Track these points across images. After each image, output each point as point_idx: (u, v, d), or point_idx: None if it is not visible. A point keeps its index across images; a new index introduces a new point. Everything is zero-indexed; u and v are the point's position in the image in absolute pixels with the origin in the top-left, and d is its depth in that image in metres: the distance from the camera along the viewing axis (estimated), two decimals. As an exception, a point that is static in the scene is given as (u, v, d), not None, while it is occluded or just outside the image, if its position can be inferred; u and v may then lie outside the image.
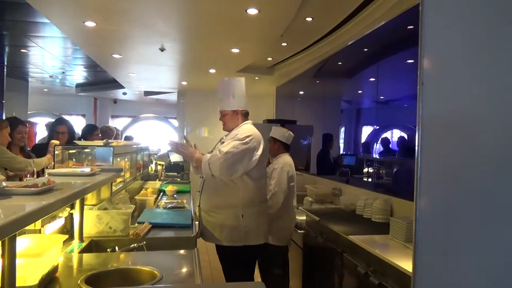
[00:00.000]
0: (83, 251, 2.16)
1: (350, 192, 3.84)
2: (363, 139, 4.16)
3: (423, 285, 1.21)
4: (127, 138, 7.07)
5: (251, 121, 2.76)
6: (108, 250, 2.26)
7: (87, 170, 2.20)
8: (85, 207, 2.36)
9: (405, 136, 3.37)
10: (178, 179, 5.40)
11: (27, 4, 3.28)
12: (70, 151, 2.97)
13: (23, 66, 7.30)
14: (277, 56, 5.58)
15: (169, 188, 4.15)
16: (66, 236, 1.94)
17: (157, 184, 4.47)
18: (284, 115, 6.66)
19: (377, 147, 3.74)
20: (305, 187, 4.39)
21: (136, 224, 2.62)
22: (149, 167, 5.29)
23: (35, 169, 3.13)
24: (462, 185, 1.22)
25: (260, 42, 4.36)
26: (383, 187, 3.38)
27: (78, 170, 2.23)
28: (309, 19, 3.81)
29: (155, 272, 1.77)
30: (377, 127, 3.90)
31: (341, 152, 4.59)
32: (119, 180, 3.04)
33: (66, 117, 7.69)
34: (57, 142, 3.57)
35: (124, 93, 10.14)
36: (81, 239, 2.27)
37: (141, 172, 4.25)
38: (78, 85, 9.54)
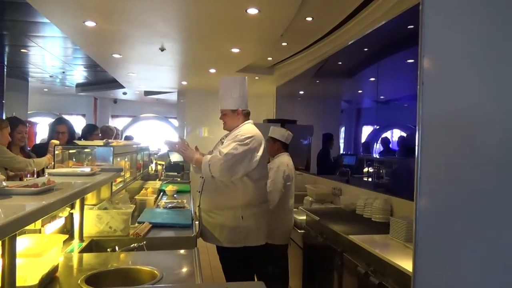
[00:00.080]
0: (83, 251, 2.16)
1: (350, 191, 3.84)
2: (363, 139, 4.16)
3: (423, 285, 1.21)
4: (127, 138, 7.07)
5: (252, 121, 2.74)
6: (108, 250, 2.26)
7: (87, 170, 2.20)
8: (85, 207, 2.36)
9: (405, 135, 3.37)
10: (178, 179, 5.40)
11: (27, 4, 3.28)
12: (70, 151, 2.97)
13: (23, 66, 7.30)
14: (277, 56, 5.58)
15: (169, 188, 4.15)
16: (66, 236, 1.94)
17: (157, 184, 4.47)
18: (284, 115, 6.66)
19: (377, 147, 3.74)
20: (305, 187, 4.39)
21: (136, 224, 2.62)
22: (149, 167, 5.29)
23: (35, 169, 3.13)
24: (462, 184, 1.22)
25: (260, 42, 4.36)
26: (383, 187, 3.38)
27: (78, 170, 2.23)
28: (309, 18, 3.81)
29: (155, 272, 1.77)
30: (377, 127, 3.90)
31: (341, 152, 4.59)
32: (119, 180, 3.04)
33: (66, 117, 7.70)
34: (57, 142, 3.57)
35: (124, 93, 10.15)
36: (81, 239, 2.28)
37: (141, 172, 4.25)
38: (78, 85, 9.55)
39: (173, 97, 9.02)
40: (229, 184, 2.54)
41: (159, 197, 3.97)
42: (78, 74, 8.20)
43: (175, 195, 4.07)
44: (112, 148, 2.81)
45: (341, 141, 4.62)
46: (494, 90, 1.20)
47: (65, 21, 3.76)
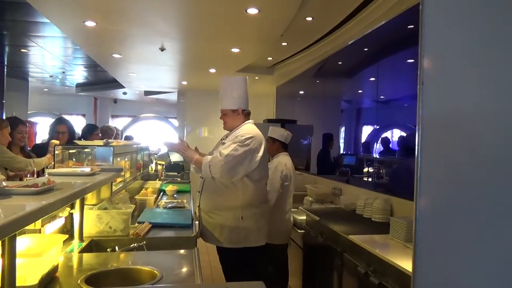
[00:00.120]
0: (83, 251, 2.16)
1: (350, 191, 3.84)
2: (363, 139, 4.16)
3: (423, 284, 1.21)
4: (127, 138, 7.08)
5: (252, 121, 2.73)
6: (108, 250, 2.26)
7: (87, 170, 2.20)
8: (85, 206, 2.36)
9: (405, 135, 3.37)
10: (178, 179, 5.40)
11: (27, 4, 3.28)
12: (70, 151, 2.97)
13: (23, 66, 7.30)
14: (277, 56, 5.57)
15: (169, 188, 4.15)
16: (66, 236, 1.94)
17: (157, 183, 4.47)
18: (284, 115, 6.66)
19: (377, 146, 3.74)
20: (305, 187, 4.39)
21: (136, 224, 2.62)
22: (149, 167, 5.29)
23: (35, 169, 3.13)
24: (462, 184, 1.22)
25: (260, 41, 4.36)
26: (383, 187, 3.38)
27: (78, 170, 2.23)
28: (309, 18, 3.81)
29: (155, 272, 1.77)
30: (377, 127, 3.90)
31: (341, 151, 4.59)
32: (119, 180, 3.04)
33: (66, 116, 7.69)
34: (57, 142, 3.57)
35: (124, 93, 10.15)
36: (81, 239, 2.27)
37: (141, 172, 4.25)
38: (78, 85, 9.55)
39: (173, 97, 9.02)
40: (229, 185, 2.54)
41: (159, 197, 3.97)
42: (78, 74, 8.21)
43: (175, 195, 4.07)
44: (112, 148, 2.81)
45: (341, 141, 4.62)
46: (494, 90, 1.20)
47: (65, 21, 3.76)
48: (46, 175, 2.07)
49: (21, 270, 1.44)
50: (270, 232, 3.19)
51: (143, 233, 2.44)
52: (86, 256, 2.07)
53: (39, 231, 1.91)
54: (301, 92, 6.26)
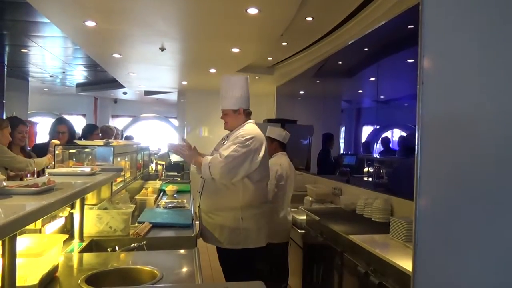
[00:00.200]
0: (83, 250, 2.16)
1: (351, 191, 3.84)
2: (363, 139, 4.16)
3: (423, 284, 1.21)
4: (127, 138, 7.08)
5: (253, 121, 2.72)
6: (108, 249, 2.26)
7: (87, 169, 2.20)
8: (86, 206, 2.36)
9: (405, 135, 3.37)
10: (179, 179, 5.40)
11: (27, 4, 3.28)
12: (71, 151, 2.97)
13: (24, 65, 7.30)
14: (278, 56, 5.57)
15: (169, 188, 4.15)
16: (66, 236, 1.94)
17: (157, 183, 4.47)
18: (284, 115, 6.66)
19: (377, 146, 3.74)
20: (305, 187, 4.39)
21: (136, 224, 2.62)
22: (150, 167, 5.29)
23: (35, 168, 3.13)
24: (462, 184, 1.22)
25: (260, 41, 4.36)
26: (383, 187, 3.38)
27: (79, 169, 2.23)
28: (309, 18, 3.81)
29: (155, 271, 1.77)
30: (377, 127, 3.90)
31: (342, 151, 4.59)
32: (119, 179, 3.04)
33: (66, 116, 7.70)
34: (57, 142, 3.57)
35: (124, 93, 10.15)
36: (81, 238, 2.28)
37: (141, 171, 4.25)
38: (79, 85, 9.55)
39: (173, 97, 9.02)
40: (230, 185, 2.53)
41: (159, 197, 3.97)
42: (78, 74, 8.21)
43: (175, 195, 4.07)
44: (112, 148, 2.81)
45: (341, 141, 4.62)
46: (494, 90, 1.20)
47: (65, 21, 3.76)
48: (46, 175, 2.07)
49: (22, 270, 1.44)
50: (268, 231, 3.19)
51: (143, 233, 2.44)
52: (86, 256, 2.07)
53: (39, 231, 1.91)
54: (301, 92, 6.26)
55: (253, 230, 2.57)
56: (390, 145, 3.57)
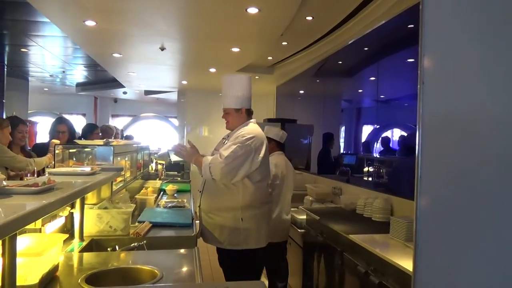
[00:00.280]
0: (83, 250, 2.16)
1: (351, 191, 3.84)
2: (363, 138, 4.16)
3: (423, 284, 1.21)
4: (128, 138, 7.08)
5: (255, 120, 2.71)
6: (109, 249, 2.26)
7: (87, 169, 2.20)
8: (86, 206, 2.36)
9: (406, 135, 3.37)
10: (179, 178, 5.40)
11: (27, 3, 3.28)
12: (71, 150, 2.97)
13: (23, 65, 7.30)
14: (278, 55, 5.57)
15: (170, 187, 4.15)
16: (67, 235, 1.94)
17: (157, 183, 4.47)
18: (284, 114, 6.66)
19: (378, 146, 3.74)
20: (305, 186, 4.39)
21: (137, 223, 2.62)
22: (150, 166, 5.29)
23: (35, 168, 3.13)
24: (463, 184, 1.22)
25: (260, 41, 4.36)
26: (384, 186, 3.38)
27: (79, 169, 2.23)
28: (309, 18, 3.81)
29: (156, 271, 1.77)
30: (378, 126, 3.90)
31: (342, 151, 4.59)
32: (119, 179, 3.04)
33: (66, 116, 7.70)
34: (57, 141, 3.57)
35: (125, 92, 10.15)
36: (81, 238, 2.28)
37: (142, 171, 4.25)
38: (79, 84, 9.55)
39: (173, 96, 9.02)
40: (230, 186, 2.52)
41: (159, 197, 3.97)
42: (78, 73, 8.21)
43: (175, 195, 4.07)
44: (112, 148, 2.81)
45: (341, 140, 4.62)
46: (495, 89, 1.20)
47: (65, 20, 3.76)
48: (47, 175, 2.07)
49: (22, 269, 1.44)
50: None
51: (143, 232, 2.44)
52: (87, 255, 2.07)
53: (40, 230, 1.91)
54: (301, 92, 6.26)
55: (253, 231, 2.55)
56: (390, 145, 3.57)
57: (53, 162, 2.98)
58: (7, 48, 6.21)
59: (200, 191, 2.68)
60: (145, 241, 2.27)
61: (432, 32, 1.20)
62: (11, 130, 3.36)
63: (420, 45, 1.21)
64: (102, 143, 2.89)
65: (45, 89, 10.12)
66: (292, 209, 3.71)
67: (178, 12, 3.50)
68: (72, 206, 2.23)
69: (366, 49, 4.01)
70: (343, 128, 4.69)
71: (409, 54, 3.07)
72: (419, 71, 1.22)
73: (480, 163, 1.20)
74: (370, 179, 3.79)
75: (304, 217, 3.58)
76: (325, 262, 3.00)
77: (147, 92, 9.14)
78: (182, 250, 2.22)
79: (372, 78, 3.95)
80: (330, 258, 2.87)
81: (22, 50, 6.06)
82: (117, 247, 2.25)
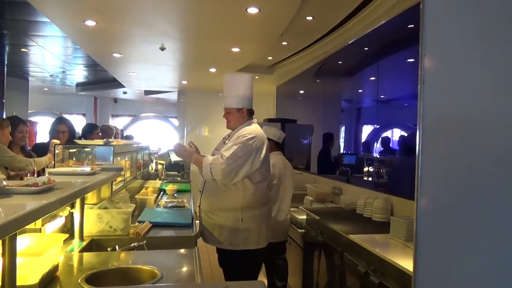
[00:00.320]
0: (83, 250, 2.16)
1: (351, 191, 3.84)
2: (363, 138, 4.16)
3: (424, 284, 1.21)
4: (127, 138, 7.08)
5: (255, 120, 2.71)
6: (109, 249, 2.26)
7: (87, 169, 2.20)
8: (86, 206, 2.36)
9: (406, 135, 3.37)
10: (179, 178, 5.40)
11: (27, 3, 3.28)
12: (71, 150, 2.97)
13: (23, 65, 7.30)
14: (278, 55, 5.57)
15: (170, 187, 4.15)
16: (67, 235, 1.94)
17: (157, 183, 4.47)
18: (284, 114, 6.66)
19: (378, 146, 3.74)
20: (305, 186, 4.39)
21: (137, 223, 2.62)
22: (150, 166, 5.29)
23: (35, 168, 3.13)
24: (464, 184, 1.21)
25: (260, 41, 4.36)
26: (384, 186, 3.38)
27: (79, 169, 2.23)
28: (309, 18, 3.81)
29: (156, 271, 1.77)
30: (378, 126, 3.90)
31: (342, 151, 4.59)
32: (119, 179, 3.04)
33: (66, 116, 7.70)
34: (57, 141, 3.57)
35: (125, 92, 10.15)
36: (81, 238, 2.28)
37: (142, 171, 4.25)
38: (79, 84, 9.55)
39: (173, 96, 9.02)
40: (230, 186, 2.51)
41: (159, 197, 3.97)
42: (78, 73, 8.20)
43: (175, 195, 4.07)
44: (112, 148, 2.81)
45: (341, 140, 4.62)
46: (495, 89, 1.19)
47: (65, 20, 3.76)
48: (47, 175, 2.07)
49: (22, 269, 1.44)
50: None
51: (143, 232, 2.44)
52: (87, 255, 2.07)
53: (40, 230, 1.91)
54: (301, 92, 6.26)
55: (253, 231, 2.55)
56: (390, 145, 3.57)
57: (53, 162, 2.98)
58: (7, 48, 6.21)
59: (200, 191, 2.68)
60: (145, 241, 2.27)
61: (432, 32, 1.20)
62: (11, 130, 3.36)
63: (421, 44, 1.21)
64: (102, 143, 2.89)
65: (45, 89, 10.12)
66: (292, 209, 3.71)
67: (178, 12, 3.50)
68: (72, 206, 2.23)
69: (366, 49, 4.01)
70: (343, 128, 4.69)
71: (409, 54, 3.07)
72: (419, 71, 1.21)
73: (481, 163, 1.19)
74: (370, 179, 3.79)
75: (304, 217, 3.57)
76: (325, 262, 3.00)
77: (147, 92, 9.14)
78: (182, 250, 2.22)
79: (372, 78, 3.95)
80: (330, 258, 2.87)
81: (22, 50, 6.06)
82: (117, 247, 2.25)
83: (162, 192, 4.19)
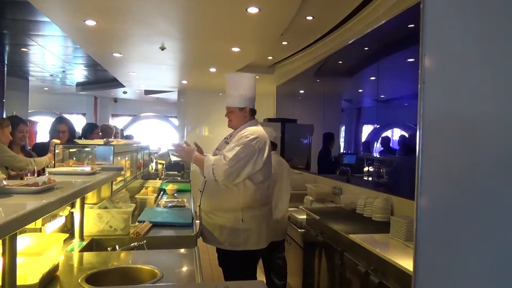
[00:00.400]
0: (83, 250, 2.16)
1: (351, 191, 3.84)
2: (363, 138, 4.16)
3: (424, 284, 1.21)
4: (128, 137, 7.08)
5: (257, 119, 2.70)
6: (109, 249, 2.26)
7: (87, 169, 2.20)
8: (86, 206, 2.36)
9: (406, 135, 3.37)
10: (179, 178, 5.40)
11: (27, 3, 3.28)
12: (71, 150, 2.97)
13: (24, 65, 7.30)
14: (278, 55, 5.57)
15: (170, 187, 4.15)
16: (67, 235, 1.94)
17: (157, 183, 4.47)
18: (284, 114, 6.66)
19: (378, 146, 3.74)
20: (305, 186, 4.39)
21: (137, 223, 2.62)
22: (150, 166, 5.29)
23: (35, 168, 3.13)
24: (464, 184, 1.21)
25: (260, 41, 4.36)
26: (384, 186, 3.38)
27: (79, 169, 2.23)
28: (309, 17, 3.81)
29: (156, 271, 1.77)
30: (378, 126, 3.90)
31: (342, 151, 4.59)
32: (119, 179, 3.04)
33: (66, 116, 7.70)
34: (57, 141, 3.57)
35: (125, 92, 10.15)
36: (81, 238, 2.28)
37: (142, 171, 4.25)
38: (79, 84, 9.55)
39: (174, 96, 9.02)
40: (231, 186, 2.50)
41: (160, 196, 3.97)
42: (79, 73, 8.20)
43: (175, 194, 4.07)
44: (112, 147, 2.81)
45: (342, 140, 4.62)
46: (496, 89, 1.19)
47: (65, 20, 3.76)
48: (47, 174, 2.07)
49: (22, 269, 1.44)
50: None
51: (143, 232, 2.44)
52: (87, 255, 2.07)
53: (40, 230, 1.91)
54: (302, 91, 6.26)
55: (253, 232, 2.54)
56: (390, 145, 3.57)
57: (53, 162, 2.98)
58: (7, 48, 6.21)
59: (200, 191, 2.67)
60: (145, 241, 2.27)
61: (433, 32, 1.20)
62: (12, 130, 3.36)
63: (421, 44, 1.21)
64: (102, 143, 2.89)
65: (45, 88, 10.12)
66: (292, 209, 3.71)
67: (179, 12, 3.50)
68: (72, 206, 2.23)
69: (366, 48, 4.01)
70: (343, 128, 4.69)
71: (410, 53, 3.07)
72: (419, 71, 1.21)
73: (481, 163, 1.19)
74: (370, 179, 3.79)
75: (304, 217, 3.57)
76: (325, 261, 3.00)
77: (147, 92, 9.14)
78: (182, 250, 2.21)
79: (372, 78, 3.95)
80: (330, 258, 2.87)
81: (22, 49, 6.06)
82: (117, 247, 2.25)
83: (162, 192, 4.19)
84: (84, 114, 11.79)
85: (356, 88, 4.42)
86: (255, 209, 2.56)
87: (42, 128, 8.33)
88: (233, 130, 2.69)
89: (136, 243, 2.23)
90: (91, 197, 2.53)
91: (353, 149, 4.39)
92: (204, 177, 2.61)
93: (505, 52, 1.18)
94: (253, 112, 2.68)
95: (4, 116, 6.59)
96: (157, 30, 3.94)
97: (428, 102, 1.20)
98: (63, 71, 7.90)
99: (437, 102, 1.21)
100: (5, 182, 1.42)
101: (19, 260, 1.32)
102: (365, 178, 3.90)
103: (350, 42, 4.13)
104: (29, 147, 4.06)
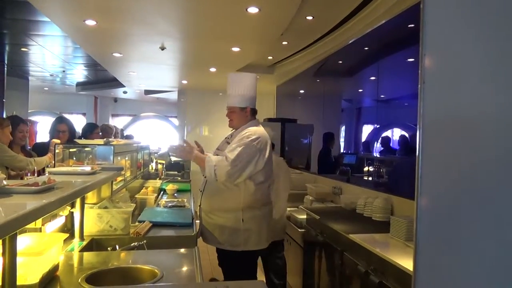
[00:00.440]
0: (83, 249, 2.16)
1: (351, 190, 3.84)
2: (363, 138, 4.16)
3: (424, 284, 1.21)
4: (128, 137, 7.08)
5: (258, 119, 2.70)
6: (109, 248, 2.26)
7: (87, 169, 2.20)
8: (86, 205, 2.36)
9: (406, 134, 3.37)
10: (179, 178, 5.40)
11: (27, 3, 3.28)
12: (71, 150, 2.97)
13: (24, 64, 7.30)
14: (278, 55, 5.57)
15: (170, 187, 4.15)
16: (67, 235, 1.94)
17: (157, 183, 4.47)
18: (284, 114, 6.66)
19: (378, 146, 3.74)
20: (305, 186, 4.39)
21: (137, 223, 2.62)
22: (150, 166, 5.29)
23: (36, 167, 3.13)
24: (464, 184, 1.21)
25: (260, 40, 4.36)
26: (384, 186, 3.38)
27: (79, 169, 2.23)
28: (309, 17, 3.81)
29: (156, 271, 1.77)
30: (378, 126, 3.90)
31: (342, 151, 4.59)
32: (119, 179, 3.04)
33: (66, 115, 7.71)
34: (57, 141, 3.57)
35: (125, 92, 10.15)
36: (81, 237, 2.28)
37: (142, 171, 4.25)
38: (79, 84, 9.55)
39: (174, 96, 9.02)
40: (231, 186, 2.50)
41: (160, 196, 3.97)
42: (79, 73, 8.21)
43: (175, 194, 4.07)
44: (112, 147, 2.81)
45: (342, 140, 4.62)
46: (496, 89, 1.19)
47: (65, 19, 3.76)
48: (47, 174, 2.07)
49: (22, 268, 1.44)
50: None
51: (143, 232, 2.44)
52: (87, 255, 2.07)
53: (40, 230, 1.91)
54: (302, 91, 6.26)
55: (254, 232, 2.54)
56: (391, 144, 3.57)
57: (53, 162, 2.98)
58: (7, 48, 6.21)
59: (201, 191, 2.66)
60: (145, 241, 2.27)
61: (433, 32, 1.20)
62: (12, 130, 3.36)
63: (421, 44, 1.21)
64: (102, 143, 2.89)
65: (45, 88, 10.12)
66: (292, 208, 3.70)
67: (179, 12, 3.50)
68: (72, 206, 2.23)
69: (366, 48, 4.01)
70: (343, 128, 4.69)
71: (410, 53, 3.07)
72: (420, 71, 1.21)
73: (481, 163, 1.19)
74: (370, 178, 3.79)
75: (304, 216, 3.58)
76: (325, 261, 3.00)
77: (147, 92, 9.14)
78: (182, 250, 2.21)
79: (373, 78, 3.95)
80: (330, 258, 2.87)
81: (22, 49, 6.06)
82: (117, 247, 2.25)
83: (162, 192, 4.19)
84: (84, 114, 11.80)
85: (356, 88, 4.42)
86: (255, 209, 2.56)
87: (42, 128, 8.33)
88: (234, 130, 2.69)
89: (136, 243, 2.23)
90: (91, 197, 2.53)
91: (353, 149, 4.39)
92: (205, 177, 2.61)
93: (505, 52, 1.18)
94: (254, 112, 2.68)
95: (4, 116, 6.59)
96: (157, 30, 3.94)
97: (428, 102, 1.20)
98: (63, 71, 7.90)
99: (437, 102, 1.21)
100: (5, 182, 1.42)
101: (19, 260, 1.32)
102: (365, 178, 3.90)
103: (350, 42, 4.13)
104: (29, 147, 4.06)
